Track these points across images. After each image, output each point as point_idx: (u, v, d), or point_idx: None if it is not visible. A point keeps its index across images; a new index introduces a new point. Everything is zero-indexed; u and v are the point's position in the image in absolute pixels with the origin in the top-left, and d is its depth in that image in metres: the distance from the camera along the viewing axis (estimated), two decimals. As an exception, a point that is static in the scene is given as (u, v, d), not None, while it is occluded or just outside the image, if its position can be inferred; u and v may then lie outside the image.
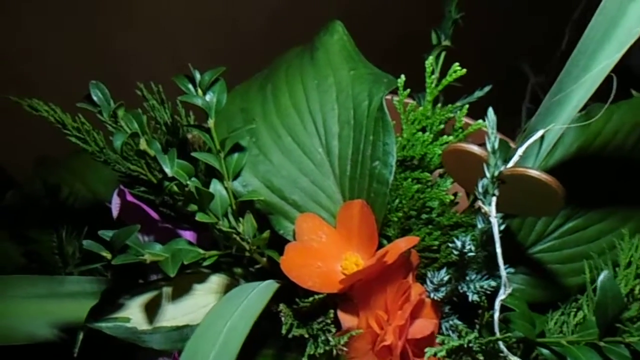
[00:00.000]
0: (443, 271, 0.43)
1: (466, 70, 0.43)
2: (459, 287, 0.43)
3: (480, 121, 0.44)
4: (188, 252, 0.42)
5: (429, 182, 0.45)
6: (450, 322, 0.45)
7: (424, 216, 0.45)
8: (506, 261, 0.39)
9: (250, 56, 0.70)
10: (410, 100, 0.49)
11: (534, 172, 0.38)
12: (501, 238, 0.39)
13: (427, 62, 0.44)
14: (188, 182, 0.40)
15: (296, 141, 0.46)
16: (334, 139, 0.46)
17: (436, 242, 0.45)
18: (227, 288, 0.47)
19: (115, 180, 0.57)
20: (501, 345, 0.39)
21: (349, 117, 0.46)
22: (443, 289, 0.44)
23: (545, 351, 0.42)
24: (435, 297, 0.44)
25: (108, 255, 0.40)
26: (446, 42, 0.52)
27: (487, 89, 0.54)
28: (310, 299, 0.40)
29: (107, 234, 0.40)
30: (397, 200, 0.45)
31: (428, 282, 0.45)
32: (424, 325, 0.43)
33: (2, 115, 0.84)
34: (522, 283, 0.46)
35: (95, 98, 0.38)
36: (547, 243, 0.47)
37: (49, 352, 0.47)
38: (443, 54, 0.51)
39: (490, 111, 0.38)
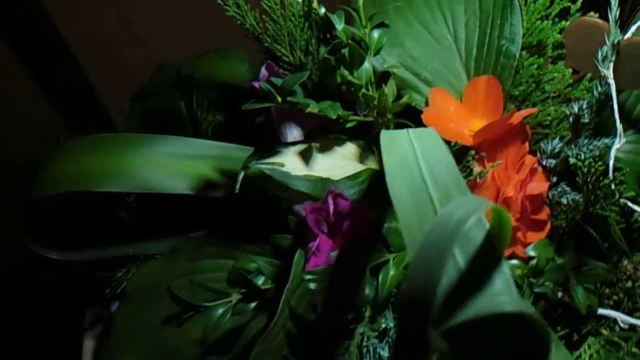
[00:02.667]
0: (557, 140, 0.52)
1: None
2: (571, 152, 0.52)
3: (591, 13, 0.54)
4: (339, 108, 0.51)
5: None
6: (559, 189, 0.54)
7: (538, 95, 0.54)
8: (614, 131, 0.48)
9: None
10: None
11: (650, 39, 0.48)
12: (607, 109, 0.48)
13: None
14: (349, 42, 0.50)
15: (426, 29, 0.56)
16: (461, 28, 0.55)
17: (549, 118, 0.54)
18: (359, 157, 0.56)
19: (242, 78, 0.66)
20: (613, 186, 0.48)
21: (475, 9, 0.55)
22: (554, 159, 0.53)
23: (646, 210, 0.51)
24: (547, 164, 0.53)
25: (278, 98, 0.49)
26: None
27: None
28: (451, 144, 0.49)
29: (277, 80, 0.49)
30: (513, 85, 0.54)
31: (540, 153, 0.54)
32: (538, 184, 0.52)
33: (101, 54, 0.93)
34: (629, 151, 0.54)
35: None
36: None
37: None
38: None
39: (615, -15, 0.48)
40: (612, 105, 0.48)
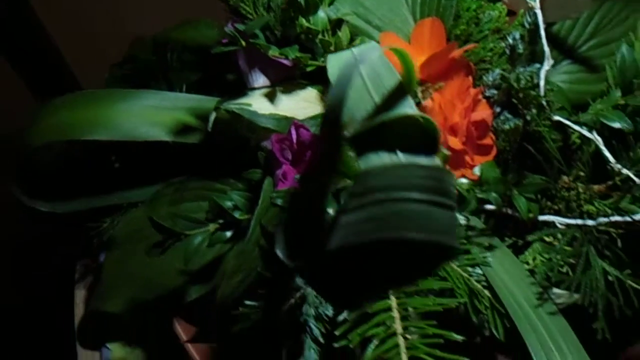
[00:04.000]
0: (497, 71, 0.59)
1: None
2: (510, 78, 0.58)
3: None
4: (297, 50, 0.58)
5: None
6: (502, 117, 0.60)
7: (478, 33, 0.61)
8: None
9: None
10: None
11: (568, -28, 0.55)
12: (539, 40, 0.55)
13: None
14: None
15: (375, -19, 0.63)
16: (406, -22, 0.62)
17: (489, 54, 0.61)
18: (319, 100, 0.62)
19: (212, 42, 0.73)
20: (545, 103, 0.54)
21: (417, -40, 0.62)
22: (495, 89, 0.60)
23: (577, 127, 0.58)
24: (489, 94, 0.60)
25: (243, 43, 0.56)
26: None
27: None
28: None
29: (240, 26, 0.56)
30: (456, 25, 0.61)
31: (483, 86, 0.60)
32: (482, 111, 0.59)
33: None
34: (565, 80, 0.61)
35: None
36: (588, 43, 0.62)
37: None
38: None
39: None
40: (540, 34, 0.55)
